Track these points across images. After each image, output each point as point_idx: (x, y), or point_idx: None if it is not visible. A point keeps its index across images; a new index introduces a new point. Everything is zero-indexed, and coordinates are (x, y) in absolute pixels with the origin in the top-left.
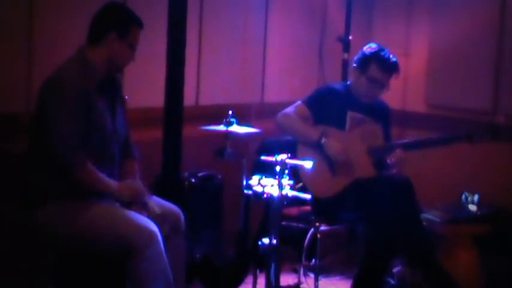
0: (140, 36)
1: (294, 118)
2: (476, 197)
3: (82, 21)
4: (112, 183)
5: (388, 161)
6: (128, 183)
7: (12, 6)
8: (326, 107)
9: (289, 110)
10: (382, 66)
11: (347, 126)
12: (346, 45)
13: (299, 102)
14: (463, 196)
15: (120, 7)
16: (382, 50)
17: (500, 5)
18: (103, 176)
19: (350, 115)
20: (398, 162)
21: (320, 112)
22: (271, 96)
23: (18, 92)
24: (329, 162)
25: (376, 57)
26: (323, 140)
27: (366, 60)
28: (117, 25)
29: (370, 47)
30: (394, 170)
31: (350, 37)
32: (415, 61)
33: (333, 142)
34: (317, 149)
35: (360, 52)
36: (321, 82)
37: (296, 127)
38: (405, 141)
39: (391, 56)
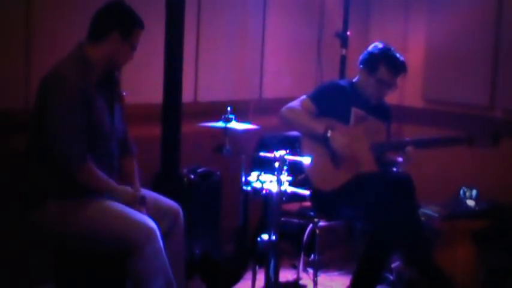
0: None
1: (300, 111)
2: (474, 192)
3: (80, 18)
4: (111, 184)
5: (399, 158)
6: (125, 190)
7: (10, 3)
8: (331, 102)
9: (294, 103)
10: (391, 67)
11: (351, 121)
12: (344, 41)
13: (304, 96)
14: (461, 191)
15: (124, 7)
16: (388, 49)
17: (497, 0)
18: (103, 176)
19: (354, 111)
20: (409, 160)
21: (325, 107)
22: (270, 92)
23: (16, 89)
24: (332, 156)
25: (385, 59)
26: (329, 133)
27: (374, 62)
28: (121, 26)
29: (376, 47)
30: (401, 169)
31: (348, 33)
32: (413, 56)
33: (339, 135)
34: (322, 142)
35: (365, 52)
36: (319, 78)
37: (301, 120)
38: (407, 139)
39: (398, 55)
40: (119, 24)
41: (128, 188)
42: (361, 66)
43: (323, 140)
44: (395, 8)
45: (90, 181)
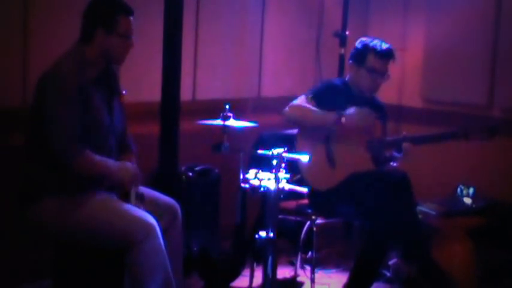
0: (133, 22)
1: (306, 106)
2: (471, 190)
3: (77, 18)
4: (112, 164)
5: (396, 154)
6: (127, 165)
7: (8, 3)
8: (329, 100)
9: (296, 102)
10: (378, 53)
11: None
12: (343, 40)
13: (303, 95)
14: (459, 189)
15: (100, 1)
16: (373, 39)
17: (496, 1)
18: (102, 159)
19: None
20: (407, 155)
21: (323, 105)
22: (268, 90)
23: (14, 86)
24: (328, 155)
25: (371, 47)
26: (343, 119)
27: (361, 53)
28: (102, 20)
29: (361, 41)
30: (398, 163)
31: (347, 32)
32: (412, 56)
33: (351, 115)
34: (325, 136)
35: (353, 48)
36: (318, 77)
37: (311, 114)
38: (402, 136)
39: (383, 43)
40: (100, 20)
41: (128, 164)
42: (350, 61)
43: (332, 128)
44: (394, 8)
45: (88, 168)
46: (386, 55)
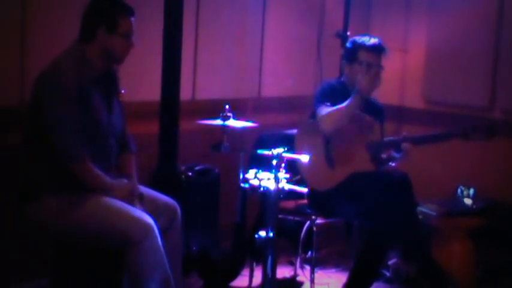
0: (134, 23)
1: (330, 110)
2: (471, 191)
3: (75, 17)
4: (108, 182)
5: (395, 154)
6: (123, 183)
7: (6, 3)
8: (331, 102)
9: (322, 113)
10: (368, 47)
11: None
12: (344, 41)
13: (321, 106)
14: (459, 190)
15: (103, 1)
16: (362, 37)
17: (498, 2)
18: (100, 174)
19: None
20: (407, 155)
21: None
22: (269, 91)
23: (12, 85)
24: (327, 156)
25: (359, 43)
26: (356, 90)
27: (352, 51)
28: (104, 20)
29: (350, 40)
30: (398, 163)
31: (348, 33)
32: (413, 57)
33: (360, 84)
34: (318, 141)
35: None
36: (319, 77)
37: (339, 111)
38: (402, 136)
39: (372, 38)
40: (102, 19)
41: (124, 182)
42: (344, 61)
43: (358, 98)
44: (396, 9)
45: (85, 178)
46: (376, 48)
